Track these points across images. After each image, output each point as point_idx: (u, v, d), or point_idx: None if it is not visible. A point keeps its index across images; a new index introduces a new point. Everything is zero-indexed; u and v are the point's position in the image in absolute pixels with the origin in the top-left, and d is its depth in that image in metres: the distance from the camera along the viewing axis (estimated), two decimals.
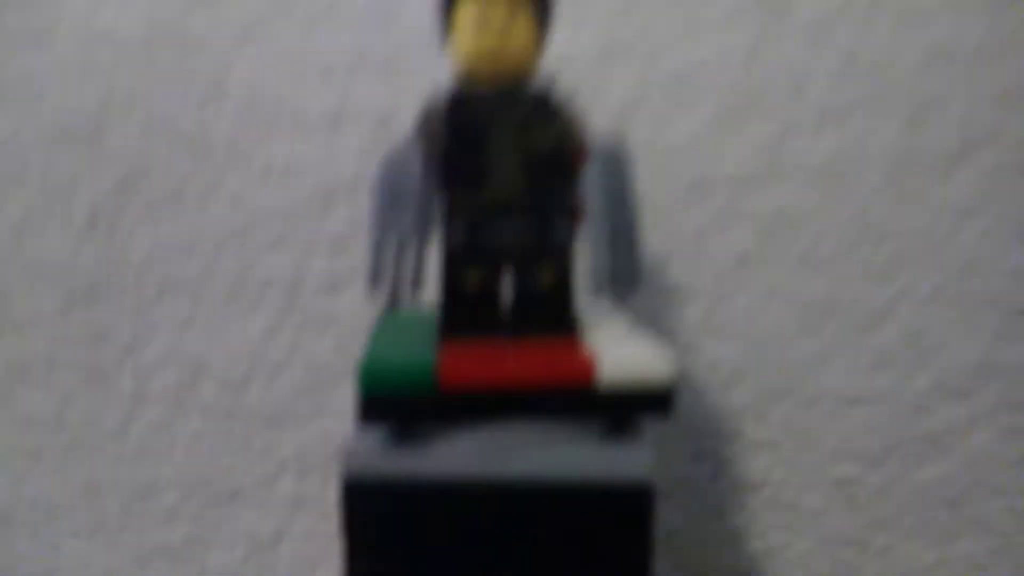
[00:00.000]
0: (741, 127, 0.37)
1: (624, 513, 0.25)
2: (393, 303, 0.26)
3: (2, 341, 0.40)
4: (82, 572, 0.41)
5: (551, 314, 0.27)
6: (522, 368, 0.24)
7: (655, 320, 0.38)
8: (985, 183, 0.37)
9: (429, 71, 0.36)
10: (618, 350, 0.25)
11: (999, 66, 0.36)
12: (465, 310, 0.26)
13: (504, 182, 0.26)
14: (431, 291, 0.28)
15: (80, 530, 0.41)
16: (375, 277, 0.26)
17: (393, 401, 0.24)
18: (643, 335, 0.28)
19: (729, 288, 0.38)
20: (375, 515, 0.25)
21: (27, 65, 0.38)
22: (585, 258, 0.27)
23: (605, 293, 0.26)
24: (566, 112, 0.27)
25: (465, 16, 0.26)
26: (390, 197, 0.26)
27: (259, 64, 0.37)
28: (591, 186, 0.26)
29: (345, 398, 0.40)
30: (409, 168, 0.26)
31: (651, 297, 0.38)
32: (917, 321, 0.38)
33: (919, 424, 0.38)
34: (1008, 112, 0.36)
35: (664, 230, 0.38)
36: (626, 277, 0.26)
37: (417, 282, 0.26)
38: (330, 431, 0.40)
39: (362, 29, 0.37)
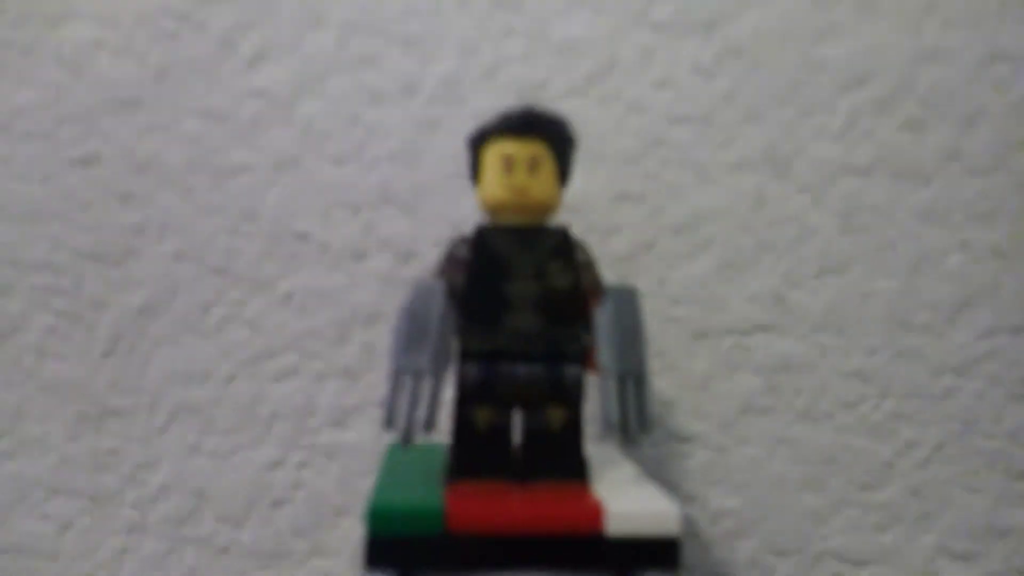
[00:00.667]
0: (745, 276, 0.38)
1: None
2: (406, 440, 0.26)
3: (9, 462, 0.40)
4: None
5: (561, 457, 0.27)
6: (530, 513, 0.25)
7: (659, 467, 0.38)
8: (982, 341, 0.38)
9: (449, 209, 0.38)
10: (626, 500, 0.26)
11: (993, 224, 0.38)
12: (475, 450, 0.27)
13: (522, 318, 0.27)
14: (442, 428, 0.29)
15: None
16: (390, 416, 0.26)
17: (400, 543, 0.24)
18: (650, 485, 0.28)
19: (733, 437, 0.38)
20: None
21: (69, 184, 0.40)
22: (595, 403, 0.27)
23: (613, 439, 0.26)
24: (582, 252, 0.29)
25: (491, 168, 0.28)
26: (410, 332, 0.27)
27: (289, 196, 0.39)
28: (602, 328, 0.28)
29: (345, 537, 0.39)
30: (432, 301, 0.27)
31: (656, 444, 0.38)
32: (919, 479, 0.38)
33: None
34: (1004, 269, 0.38)
35: (669, 376, 0.38)
36: (635, 423, 0.27)
37: (432, 420, 0.26)
38: (327, 572, 0.39)
39: (388, 167, 0.39)
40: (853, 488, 0.38)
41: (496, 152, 0.28)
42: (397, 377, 0.26)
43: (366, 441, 0.39)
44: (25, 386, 0.40)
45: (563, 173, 0.29)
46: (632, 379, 0.27)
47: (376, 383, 0.39)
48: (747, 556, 0.38)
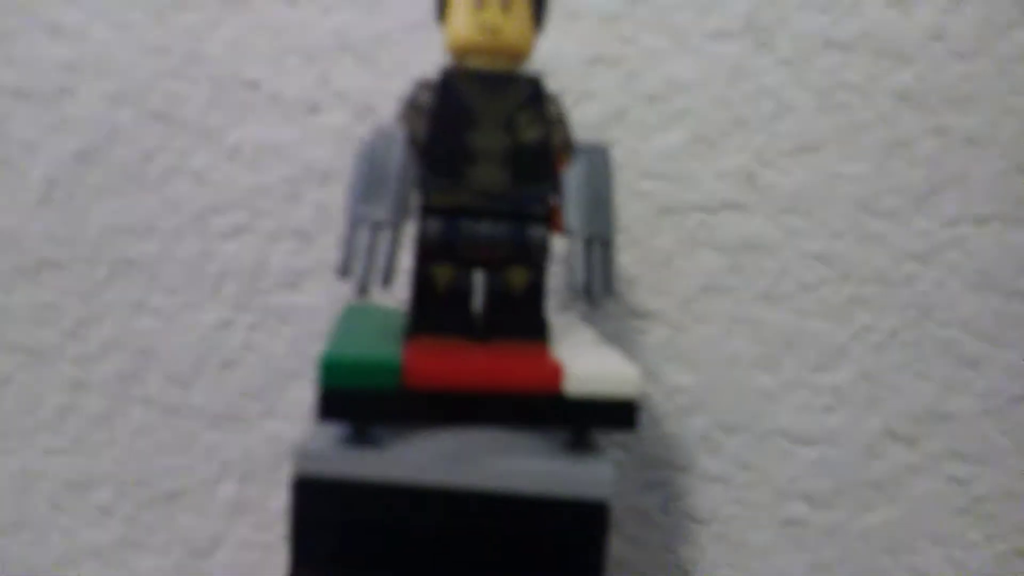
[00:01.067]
0: (717, 151, 0.37)
1: (580, 530, 0.24)
2: (362, 293, 0.25)
3: None
4: (3, 570, 0.39)
5: (522, 318, 0.27)
6: (489, 370, 0.24)
7: (617, 342, 0.38)
8: (946, 229, 0.38)
9: (413, 61, 0.36)
10: (586, 361, 0.26)
11: (968, 111, 0.37)
12: (435, 308, 0.26)
13: (487, 172, 0.26)
14: (401, 287, 0.28)
15: (4, 524, 0.39)
16: (346, 264, 0.25)
17: (355, 396, 0.23)
18: (610, 349, 0.28)
19: (692, 316, 0.38)
20: (326, 518, 0.24)
21: None
22: (559, 266, 0.27)
23: (577, 301, 0.26)
24: (555, 106, 0.27)
25: (459, 8, 0.26)
26: (368, 180, 0.25)
27: (238, 38, 0.37)
28: (571, 189, 0.27)
29: (297, 401, 0.38)
30: (391, 152, 0.25)
31: (615, 318, 0.38)
32: (871, 363, 0.38)
33: (867, 468, 0.39)
34: (976, 157, 0.37)
35: (632, 252, 0.38)
36: (600, 287, 0.26)
37: (390, 272, 0.25)
38: (279, 435, 0.39)
39: (347, 11, 0.37)
40: (805, 369, 0.39)
41: None
42: (354, 226, 0.25)
43: (320, 304, 0.38)
44: None
45: (538, 15, 0.27)
46: (598, 242, 0.26)
47: (331, 245, 0.38)
48: (698, 432, 0.39)
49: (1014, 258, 0.38)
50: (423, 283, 0.26)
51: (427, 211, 0.26)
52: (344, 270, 0.25)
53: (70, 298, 0.38)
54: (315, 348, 0.38)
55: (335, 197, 0.37)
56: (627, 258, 0.38)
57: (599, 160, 0.27)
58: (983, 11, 0.37)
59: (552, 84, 0.27)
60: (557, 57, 0.37)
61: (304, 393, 0.39)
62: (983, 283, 0.38)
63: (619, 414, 0.24)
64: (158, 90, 0.37)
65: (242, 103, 0.37)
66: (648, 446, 0.39)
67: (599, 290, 0.26)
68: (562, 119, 0.27)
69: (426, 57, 0.36)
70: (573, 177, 0.27)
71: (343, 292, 0.38)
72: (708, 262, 0.38)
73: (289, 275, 0.38)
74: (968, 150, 0.38)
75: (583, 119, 0.37)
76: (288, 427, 0.39)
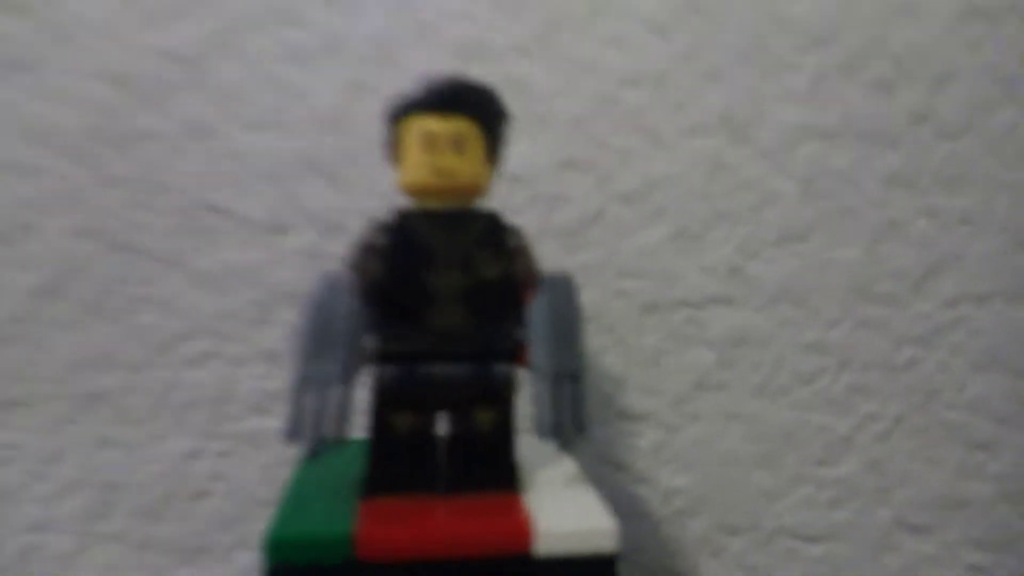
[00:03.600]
0: (699, 246, 0.41)
1: None
2: (313, 455, 0.26)
3: None
4: None
5: (489, 465, 0.28)
6: (451, 535, 0.25)
7: (608, 447, 0.41)
8: (946, 310, 0.42)
9: (379, 179, 0.40)
10: (559, 513, 0.26)
11: (960, 191, 0.41)
12: (394, 460, 0.27)
13: (446, 313, 0.28)
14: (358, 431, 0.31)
15: None
16: (295, 428, 0.26)
17: (305, 572, 0.25)
18: (588, 493, 0.29)
19: (686, 414, 0.42)
20: None
21: None
22: (527, 400, 0.29)
23: (547, 442, 0.27)
24: (514, 238, 0.29)
25: (412, 146, 0.28)
26: (315, 335, 0.27)
27: (202, 165, 0.40)
28: (536, 323, 0.28)
29: None
30: (340, 299, 0.27)
31: (605, 423, 0.41)
32: (877, 453, 0.42)
33: (880, 563, 0.42)
34: (971, 235, 0.41)
35: (618, 352, 0.41)
36: (570, 426, 0.28)
37: (341, 432, 0.26)
38: (252, 566, 0.42)
39: (312, 133, 0.41)
40: (809, 464, 0.42)
41: (417, 129, 0.28)
42: (302, 386, 0.26)
43: None
44: None
45: (493, 151, 0.29)
46: (567, 379, 0.28)
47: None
48: (698, 534, 0.42)
49: (1019, 335, 0.42)
50: (381, 433, 0.27)
51: (384, 357, 0.28)
52: (293, 434, 0.26)
53: (33, 435, 0.42)
54: (288, 473, 0.42)
55: None
56: (613, 359, 0.41)
57: (563, 290, 0.28)
58: (967, 92, 0.41)
59: (524, 191, 0.31)
60: (529, 163, 0.41)
61: None
62: (989, 363, 0.42)
63: (597, 572, 0.25)
64: (121, 220, 0.41)
65: (208, 228, 0.41)
66: (646, 554, 0.42)
67: (570, 429, 0.27)
68: (524, 251, 0.29)
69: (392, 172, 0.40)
70: (537, 311, 0.28)
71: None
72: (698, 358, 0.42)
73: (259, 399, 0.42)
74: (963, 229, 0.42)
75: (559, 223, 0.41)
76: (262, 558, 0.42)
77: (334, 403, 0.26)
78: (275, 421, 0.41)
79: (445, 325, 0.28)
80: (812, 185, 0.40)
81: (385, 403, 0.28)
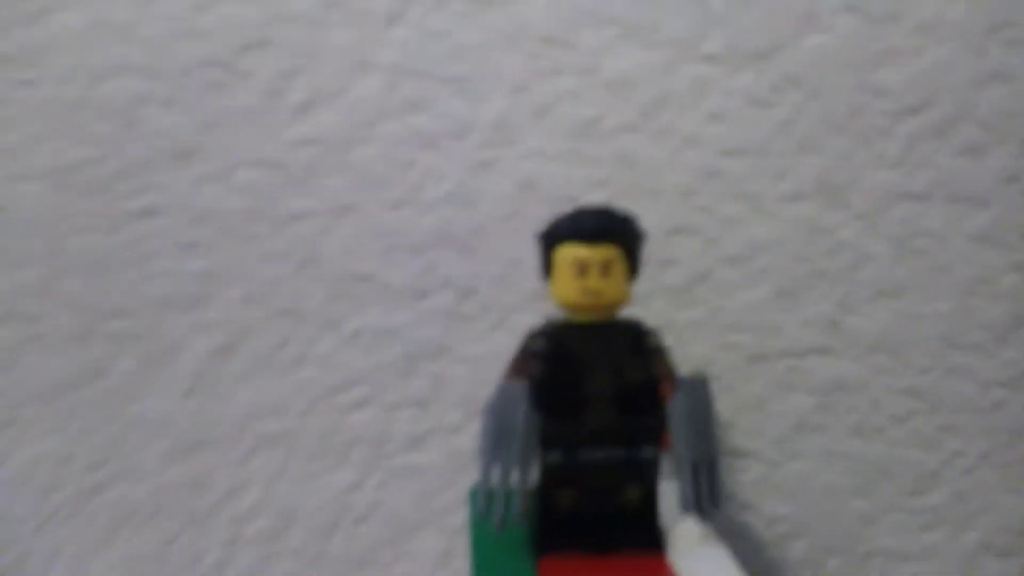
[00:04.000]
0: (800, 302, 0.46)
1: None
2: (500, 529, 0.33)
3: (111, 489, 0.51)
4: None
5: (638, 529, 0.35)
6: None
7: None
8: None
9: (505, 248, 0.46)
10: (697, 569, 0.34)
11: None
12: (558, 527, 0.35)
13: (600, 413, 0.35)
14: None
15: None
16: (486, 509, 0.33)
17: None
18: (719, 549, 0.35)
19: (787, 452, 0.48)
20: None
21: (133, 235, 0.48)
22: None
23: (689, 515, 0.34)
24: (653, 340, 0.35)
25: (564, 270, 0.34)
26: (498, 433, 0.33)
27: (349, 240, 0.47)
28: (675, 418, 0.34)
29: (423, 547, 0.50)
30: (517, 405, 0.33)
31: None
32: (964, 484, 0.47)
33: None
34: None
35: (726, 398, 0.47)
36: (708, 504, 0.34)
37: (524, 508, 0.33)
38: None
39: (444, 208, 0.47)
40: (901, 494, 0.47)
41: (569, 256, 0.34)
42: (487, 475, 0.33)
43: (439, 461, 0.49)
44: (112, 425, 0.50)
45: (633, 267, 0.35)
46: (704, 464, 0.34)
47: (445, 411, 0.49)
48: (799, 555, 0.48)
49: None
50: (547, 505, 0.35)
51: (548, 443, 0.34)
52: (484, 514, 0.33)
53: (220, 471, 0.51)
54: (437, 500, 0.50)
55: (446, 369, 0.48)
56: (721, 404, 0.47)
57: (699, 390, 0.34)
58: None
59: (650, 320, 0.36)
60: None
61: (429, 540, 0.50)
62: None
63: None
64: (282, 289, 0.48)
65: (357, 295, 0.48)
66: (752, 572, 0.49)
67: (707, 507, 0.34)
68: (660, 350, 0.35)
69: (518, 243, 0.46)
70: (677, 409, 0.34)
71: (462, 450, 0.49)
72: (799, 403, 0.47)
73: (410, 439, 0.49)
74: None
75: (668, 283, 0.46)
76: (416, 569, 0.51)
77: (515, 485, 0.33)
78: (426, 456, 0.48)
79: (599, 422, 0.35)
80: (904, 245, 0.44)
81: (549, 482, 0.35)
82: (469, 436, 0.48)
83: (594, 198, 0.44)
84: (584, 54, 0.44)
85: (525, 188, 0.44)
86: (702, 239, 0.45)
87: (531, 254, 0.44)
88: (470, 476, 0.47)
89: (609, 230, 0.34)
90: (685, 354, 0.44)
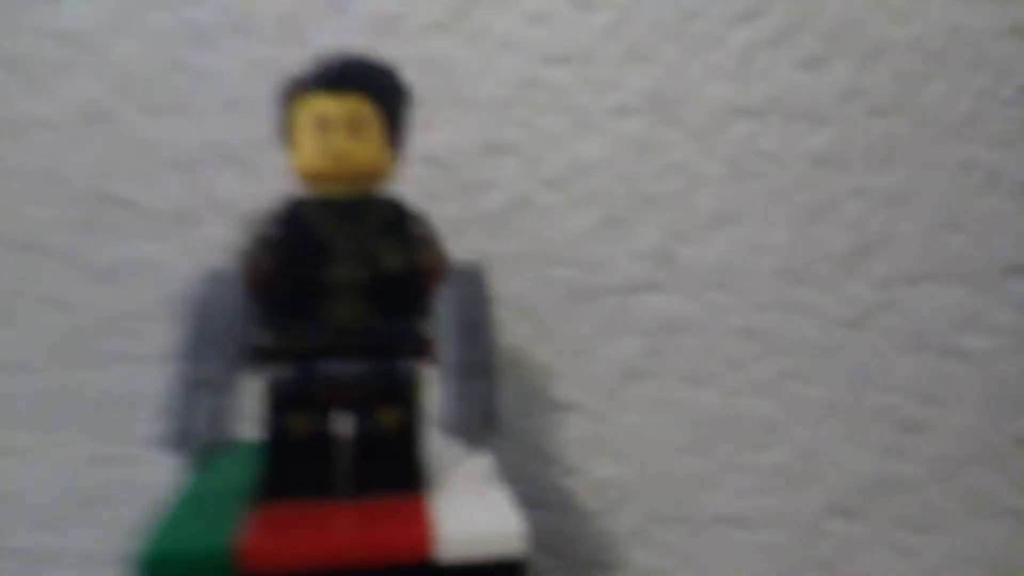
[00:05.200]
0: (628, 231, 0.44)
1: None
2: (196, 463, 0.26)
3: None
4: None
5: (393, 465, 0.28)
6: (345, 544, 0.26)
7: (538, 438, 0.44)
8: (877, 292, 0.45)
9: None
10: (464, 516, 0.27)
11: (892, 168, 0.44)
12: (291, 464, 0.28)
13: (345, 308, 0.28)
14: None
15: None
16: (176, 433, 0.26)
17: None
18: (497, 493, 0.29)
19: (615, 404, 0.45)
20: None
21: None
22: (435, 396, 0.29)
23: (454, 440, 0.28)
24: (419, 226, 0.29)
25: (304, 129, 0.28)
26: (199, 331, 0.27)
27: (101, 154, 0.42)
28: (443, 316, 0.29)
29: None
30: (224, 296, 0.27)
31: (535, 413, 0.44)
32: (808, 438, 0.45)
33: (814, 547, 0.46)
34: (902, 216, 0.44)
35: (547, 341, 0.44)
36: (479, 424, 0.28)
37: (224, 437, 0.27)
38: None
39: (219, 117, 0.42)
40: (740, 451, 0.45)
41: (310, 111, 0.28)
42: (181, 388, 0.27)
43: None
44: None
45: (394, 134, 0.29)
46: (477, 373, 0.28)
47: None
48: (631, 526, 0.45)
49: (948, 316, 0.45)
50: (276, 437, 0.28)
51: (277, 355, 0.28)
52: (174, 441, 0.26)
53: None
54: None
55: None
56: (541, 349, 0.44)
57: (472, 281, 0.29)
58: (896, 67, 0.44)
59: (446, 176, 0.32)
60: (452, 148, 0.42)
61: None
62: (919, 344, 0.45)
63: None
64: (20, 216, 0.42)
65: (111, 223, 0.42)
66: (578, 546, 0.45)
67: (477, 428, 0.28)
68: (429, 240, 0.29)
69: None
70: (444, 303, 0.29)
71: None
72: (627, 347, 0.45)
73: None
74: (893, 209, 0.44)
75: (484, 208, 0.43)
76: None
77: (215, 406, 0.27)
78: None
79: (343, 321, 0.28)
80: (740, 167, 0.42)
81: (279, 405, 0.28)
82: None
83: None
84: None
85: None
86: (521, 158, 0.42)
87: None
88: None
89: (360, 78, 0.29)
90: (500, 292, 0.41)
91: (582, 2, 0.40)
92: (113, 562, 0.42)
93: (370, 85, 0.29)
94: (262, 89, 0.39)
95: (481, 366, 0.29)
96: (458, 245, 0.33)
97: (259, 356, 0.28)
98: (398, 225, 0.29)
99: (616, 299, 0.42)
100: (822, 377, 0.43)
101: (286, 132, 0.30)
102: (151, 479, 0.41)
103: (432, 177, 0.40)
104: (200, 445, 0.26)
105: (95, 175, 0.40)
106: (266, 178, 0.40)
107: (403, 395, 0.28)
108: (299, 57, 0.38)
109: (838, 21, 0.41)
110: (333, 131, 0.28)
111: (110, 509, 0.42)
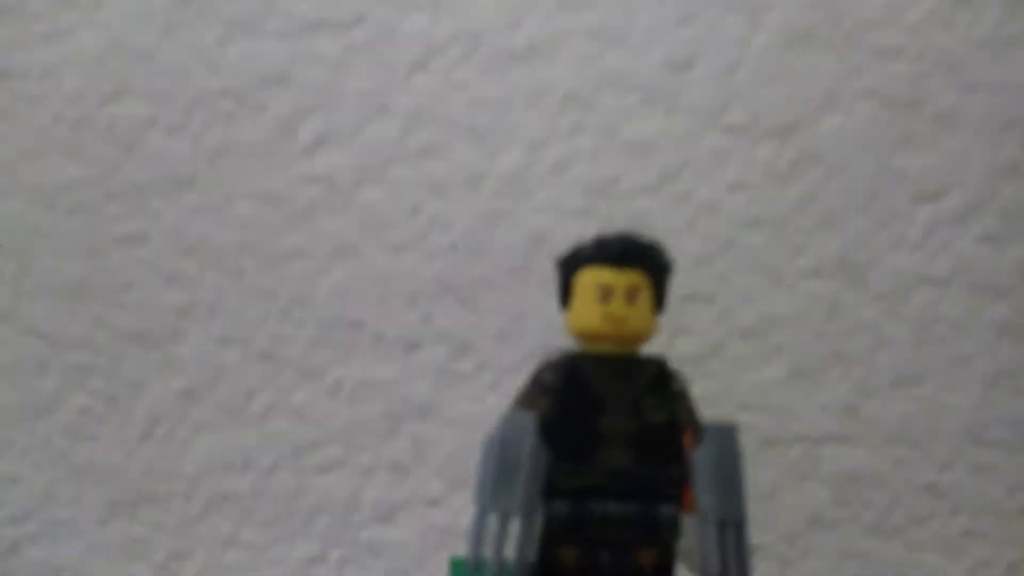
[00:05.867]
0: (816, 384, 0.47)
1: None
2: None
3: (35, 547, 0.48)
4: None
5: None
6: None
7: None
8: None
9: (509, 303, 0.47)
10: None
11: None
12: None
13: (615, 455, 0.32)
14: None
15: None
16: (476, 554, 0.31)
17: None
18: None
19: (799, 549, 0.47)
20: None
21: (114, 263, 0.48)
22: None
23: None
24: (677, 384, 0.34)
25: (585, 296, 0.33)
26: (501, 466, 0.31)
27: (344, 284, 0.48)
28: (700, 470, 0.32)
29: None
30: (524, 436, 0.32)
31: None
32: None
33: None
34: None
35: None
36: (734, 572, 0.31)
37: (522, 565, 0.31)
38: None
39: (448, 257, 0.48)
40: None
41: (592, 280, 0.33)
42: (483, 517, 0.31)
43: (413, 538, 0.47)
44: (55, 468, 0.48)
45: (659, 300, 0.34)
46: (732, 525, 0.32)
47: (425, 479, 0.48)
48: None
49: None
50: (548, 565, 0.32)
51: (554, 492, 0.32)
52: (474, 560, 0.31)
53: (163, 533, 0.48)
54: None
55: (432, 431, 0.48)
56: None
57: (727, 439, 0.33)
58: None
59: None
60: None
61: None
62: None
63: None
64: (264, 331, 0.48)
65: (345, 343, 0.48)
66: None
67: (734, 575, 0.31)
68: (685, 395, 0.34)
69: (523, 298, 0.47)
70: (702, 458, 0.32)
71: (437, 525, 0.47)
72: (814, 494, 0.47)
73: (383, 509, 0.48)
74: None
75: (681, 352, 0.47)
76: None
77: (515, 534, 0.31)
78: (397, 531, 0.47)
79: (613, 466, 0.33)
80: (925, 331, 0.46)
81: (552, 537, 0.32)
82: (449, 511, 0.46)
83: None
84: (605, 115, 0.47)
85: (535, 242, 0.46)
86: (717, 309, 0.46)
87: (536, 311, 0.45)
88: (448, 553, 0.46)
89: (637, 254, 0.34)
90: None
91: (779, 173, 0.45)
92: None
93: (646, 261, 0.34)
94: (486, 237, 0.45)
95: (736, 520, 0.32)
96: None
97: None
98: (661, 382, 0.34)
99: (803, 447, 0.45)
100: (1006, 540, 0.45)
101: (564, 296, 0.35)
102: None
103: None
104: (494, 569, 0.31)
105: (336, 301, 0.46)
106: (483, 312, 0.45)
107: (661, 538, 0.32)
108: (521, 209, 0.44)
109: (1015, 202, 0.45)
110: (614, 299, 0.33)
111: None
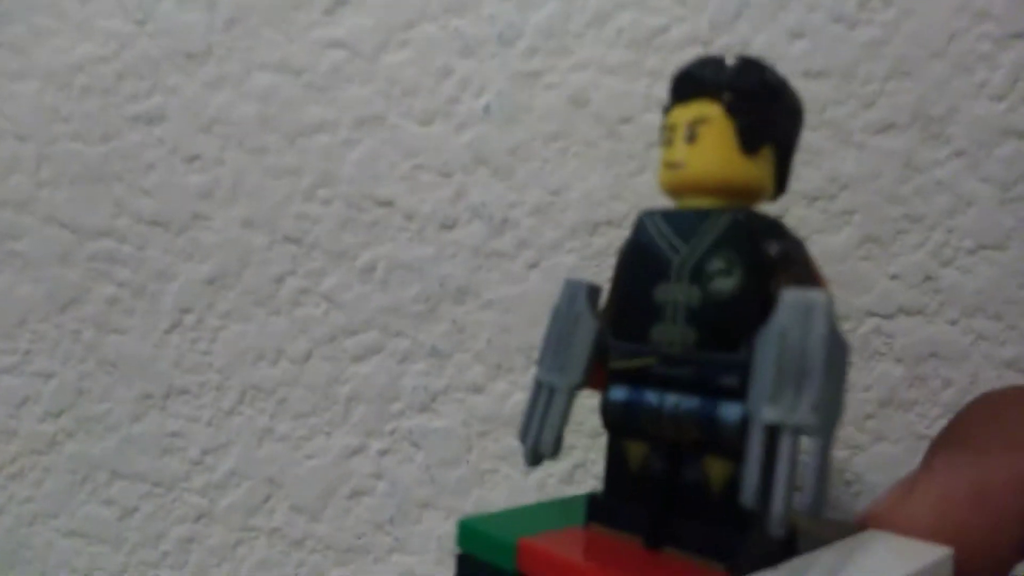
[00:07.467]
0: (889, 252, 0.44)
1: None
2: (532, 462, 0.28)
3: (70, 442, 0.48)
4: None
5: (709, 529, 0.24)
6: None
7: None
8: None
9: (549, 173, 0.44)
10: None
11: None
12: (620, 494, 0.27)
13: (671, 332, 0.25)
14: None
15: None
16: (523, 429, 0.28)
17: (482, 567, 0.27)
18: None
19: (871, 433, 0.44)
20: None
21: (134, 145, 0.47)
22: None
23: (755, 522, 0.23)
24: (775, 247, 0.25)
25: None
26: (554, 337, 0.28)
27: (370, 158, 0.46)
28: (758, 351, 0.23)
29: (429, 533, 0.46)
30: (575, 305, 0.28)
31: None
32: None
33: None
34: None
35: None
36: (783, 502, 0.22)
37: (557, 444, 0.28)
38: (410, 570, 0.46)
39: (483, 124, 0.45)
40: None
41: (664, 123, 0.27)
42: (535, 389, 0.28)
43: (454, 427, 0.46)
44: (86, 362, 0.48)
45: (754, 139, 0.25)
46: (789, 435, 0.22)
47: (466, 364, 0.46)
48: None
49: None
50: (615, 460, 0.27)
51: (612, 375, 0.27)
52: (522, 437, 0.28)
53: (197, 426, 0.48)
54: (449, 474, 0.46)
55: (470, 314, 0.46)
56: None
57: (802, 314, 0.23)
58: None
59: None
60: None
61: (436, 525, 0.46)
62: None
63: None
64: (290, 213, 0.47)
65: (375, 223, 0.46)
66: None
67: (781, 508, 0.21)
68: (773, 261, 0.25)
69: (564, 167, 0.45)
70: (764, 336, 0.23)
71: (479, 413, 0.46)
72: (887, 373, 0.44)
73: (423, 397, 0.47)
74: None
75: None
76: (419, 562, 0.47)
77: (556, 412, 0.28)
78: (440, 420, 0.45)
79: (669, 347, 0.26)
80: (1010, 189, 0.42)
81: (613, 428, 0.27)
82: (492, 397, 0.45)
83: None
84: None
85: (575, 104, 0.43)
86: None
87: (579, 180, 0.43)
88: (486, 445, 0.44)
89: (703, 80, 0.25)
90: None
91: (844, 17, 0.41)
92: (355, 556, 0.44)
93: (718, 85, 0.25)
94: (521, 98, 0.43)
95: (802, 424, 0.22)
96: None
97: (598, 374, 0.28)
98: (735, 244, 0.25)
99: (874, 322, 0.42)
100: None
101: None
102: (399, 473, 0.44)
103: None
104: (531, 448, 0.28)
105: (363, 177, 0.44)
106: (520, 185, 0.43)
107: (726, 447, 0.24)
108: (559, 68, 0.41)
109: None
110: (676, 140, 0.26)
111: (360, 500, 0.44)
